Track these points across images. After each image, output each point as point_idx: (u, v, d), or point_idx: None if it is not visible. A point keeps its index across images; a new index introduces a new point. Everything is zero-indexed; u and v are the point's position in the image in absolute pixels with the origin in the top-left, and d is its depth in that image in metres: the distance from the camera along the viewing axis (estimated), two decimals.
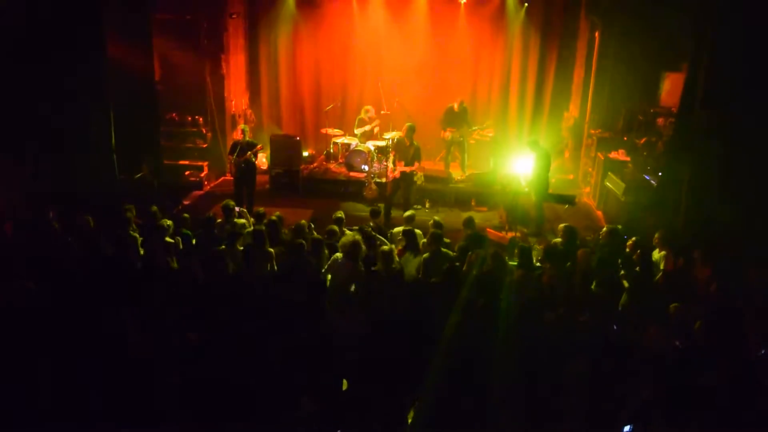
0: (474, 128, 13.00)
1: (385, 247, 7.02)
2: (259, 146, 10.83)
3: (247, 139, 10.67)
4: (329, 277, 6.85)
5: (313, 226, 8.37)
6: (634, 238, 7.63)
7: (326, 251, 7.46)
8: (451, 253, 7.32)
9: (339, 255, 7.01)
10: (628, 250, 7.47)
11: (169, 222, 7.68)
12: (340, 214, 8.39)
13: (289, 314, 5.88)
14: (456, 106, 12.67)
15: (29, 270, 6.54)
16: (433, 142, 13.26)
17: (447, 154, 13.09)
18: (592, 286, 6.65)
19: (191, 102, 13.10)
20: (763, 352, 5.17)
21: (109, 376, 4.69)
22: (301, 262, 6.85)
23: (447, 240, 7.67)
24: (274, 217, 7.99)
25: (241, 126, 11.17)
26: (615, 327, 5.81)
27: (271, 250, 7.15)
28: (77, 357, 4.98)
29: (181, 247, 7.51)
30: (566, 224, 8.02)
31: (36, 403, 4.39)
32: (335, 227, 7.88)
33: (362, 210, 11.03)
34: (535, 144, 10.48)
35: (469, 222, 8.19)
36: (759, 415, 4.52)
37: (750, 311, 5.97)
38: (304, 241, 7.15)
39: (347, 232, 8.03)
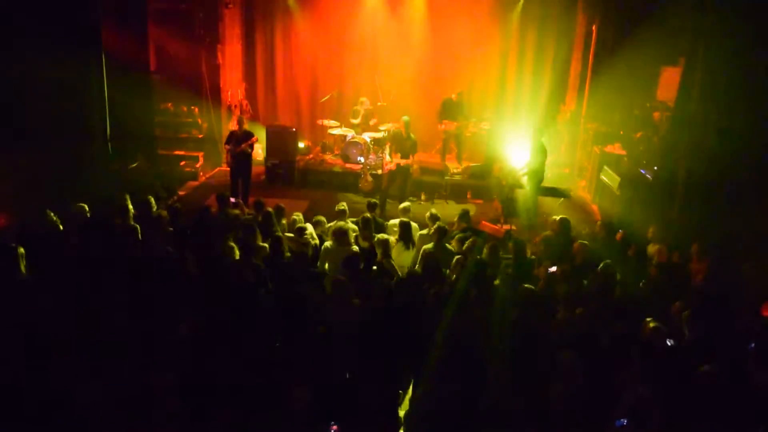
0: (471, 120, 12.98)
1: (381, 236, 7.05)
2: (254, 138, 10.79)
3: (244, 129, 10.64)
4: (327, 266, 6.87)
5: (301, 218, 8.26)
6: (621, 231, 7.66)
7: (317, 241, 7.48)
8: (452, 247, 7.34)
9: (328, 243, 7.04)
10: (616, 242, 7.51)
11: (164, 212, 7.67)
12: (343, 206, 8.15)
13: (285, 305, 5.90)
14: (454, 97, 12.64)
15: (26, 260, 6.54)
16: (429, 134, 13.25)
17: (444, 146, 13.08)
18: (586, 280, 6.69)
19: (187, 92, 13.04)
20: (753, 345, 5.19)
21: (105, 366, 4.69)
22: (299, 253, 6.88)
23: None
24: (270, 209, 7.97)
25: (238, 116, 11.13)
26: (609, 319, 5.84)
27: (265, 245, 7.14)
28: (75, 346, 4.99)
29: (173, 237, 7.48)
30: (561, 216, 8.02)
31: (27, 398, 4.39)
32: (322, 218, 7.90)
33: (358, 201, 11.03)
34: (539, 134, 10.33)
35: (464, 216, 8.17)
36: (750, 408, 4.55)
37: (743, 305, 6.01)
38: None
39: (350, 224, 8.00)
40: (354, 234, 7.44)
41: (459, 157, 12.98)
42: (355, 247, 6.97)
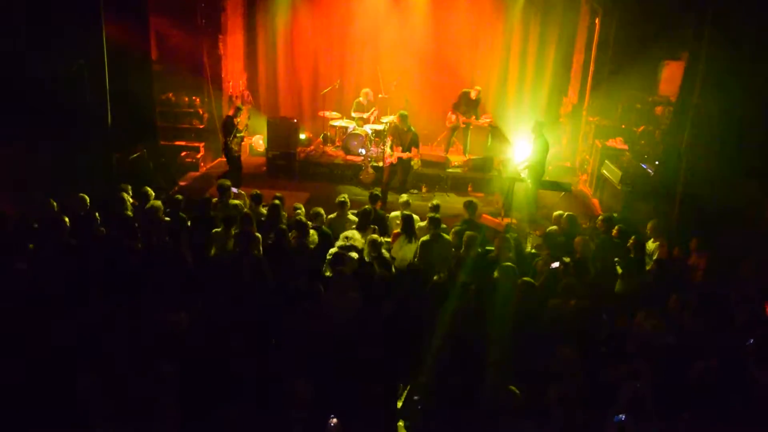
0: (480, 120, 12.91)
1: (374, 236, 7.02)
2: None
3: (239, 119, 10.65)
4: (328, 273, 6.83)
5: (302, 210, 8.24)
6: (618, 226, 7.65)
7: (314, 233, 7.47)
8: (448, 237, 7.33)
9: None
10: (615, 237, 7.51)
11: (158, 203, 7.65)
12: (344, 197, 8.10)
13: (284, 298, 5.91)
14: (473, 93, 12.57)
15: (25, 249, 6.56)
16: (431, 126, 13.22)
17: (449, 137, 13.06)
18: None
19: (188, 82, 13.00)
20: (752, 341, 5.20)
21: (103, 357, 4.71)
22: (301, 247, 6.87)
23: (444, 225, 7.67)
24: (276, 201, 7.93)
25: (236, 107, 11.08)
26: (608, 314, 5.85)
27: (259, 235, 7.10)
28: (74, 337, 5.01)
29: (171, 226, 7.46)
30: (568, 213, 8.00)
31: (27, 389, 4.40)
32: (320, 209, 7.83)
33: (359, 194, 11.04)
34: (541, 127, 10.29)
35: (469, 205, 8.11)
36: (748, 404, 4.57)
37: (741, 302, 6.02)
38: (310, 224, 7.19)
39: (350, 216, 7.99)
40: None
41: (465, 151, 12.99)
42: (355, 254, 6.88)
